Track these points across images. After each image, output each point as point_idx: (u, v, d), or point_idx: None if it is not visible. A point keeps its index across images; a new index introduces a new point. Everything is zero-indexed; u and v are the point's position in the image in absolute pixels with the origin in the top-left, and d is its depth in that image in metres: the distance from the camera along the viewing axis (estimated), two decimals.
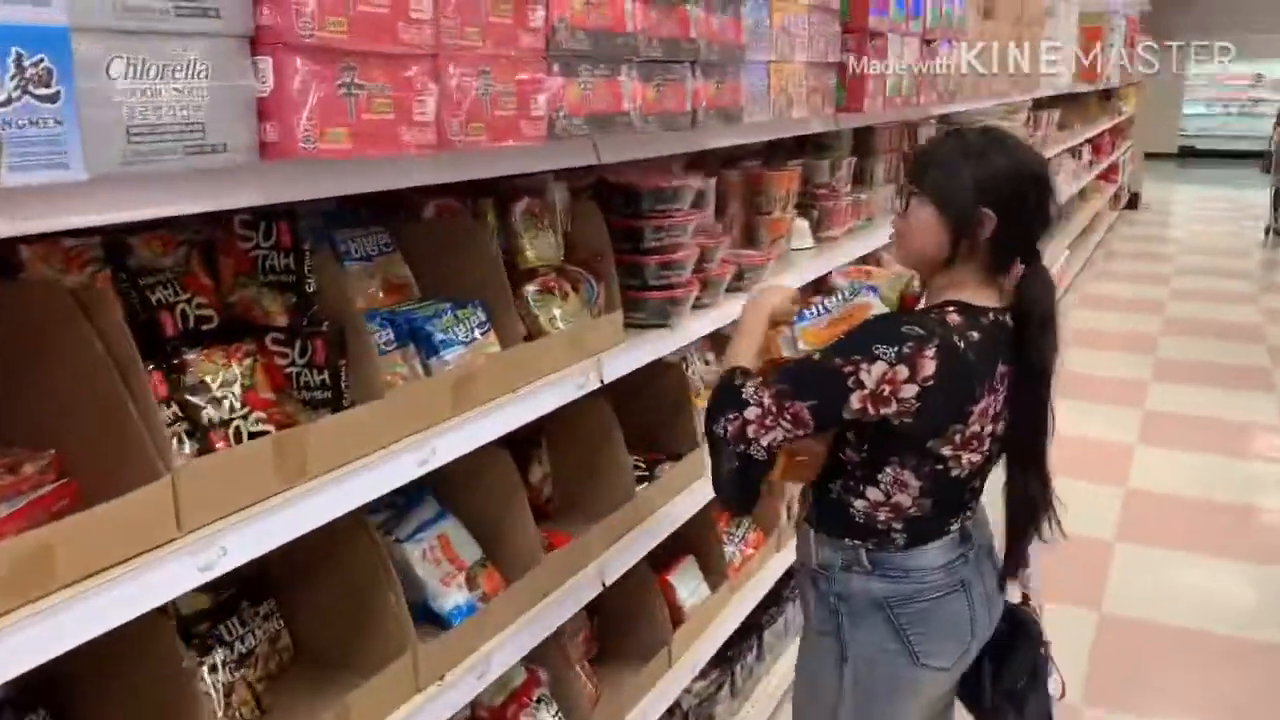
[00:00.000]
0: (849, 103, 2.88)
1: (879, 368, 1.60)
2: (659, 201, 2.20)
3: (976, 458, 1.74)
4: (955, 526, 1.83)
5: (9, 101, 0.89)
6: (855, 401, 1.62)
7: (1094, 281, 9.63)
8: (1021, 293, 1.73)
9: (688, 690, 2.63)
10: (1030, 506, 1.84)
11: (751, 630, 3.06)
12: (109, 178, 0.99)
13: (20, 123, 0.90)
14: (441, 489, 1.92)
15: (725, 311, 2.47)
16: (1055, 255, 7.43)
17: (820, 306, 1.81)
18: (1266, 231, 11.58)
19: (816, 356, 1.70)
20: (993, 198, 1.67)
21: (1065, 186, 8.33)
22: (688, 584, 2.64)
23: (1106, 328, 7.86)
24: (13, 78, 0.89)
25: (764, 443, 1.67)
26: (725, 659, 2.93)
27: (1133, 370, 6.77)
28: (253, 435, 1.43)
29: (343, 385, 1.49)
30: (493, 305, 1.80)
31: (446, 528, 1.89)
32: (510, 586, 1.87)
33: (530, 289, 1.94)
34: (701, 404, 2.58)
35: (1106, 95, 10.91)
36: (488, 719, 2.02)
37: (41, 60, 0.91)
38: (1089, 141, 9.71)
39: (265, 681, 1.64)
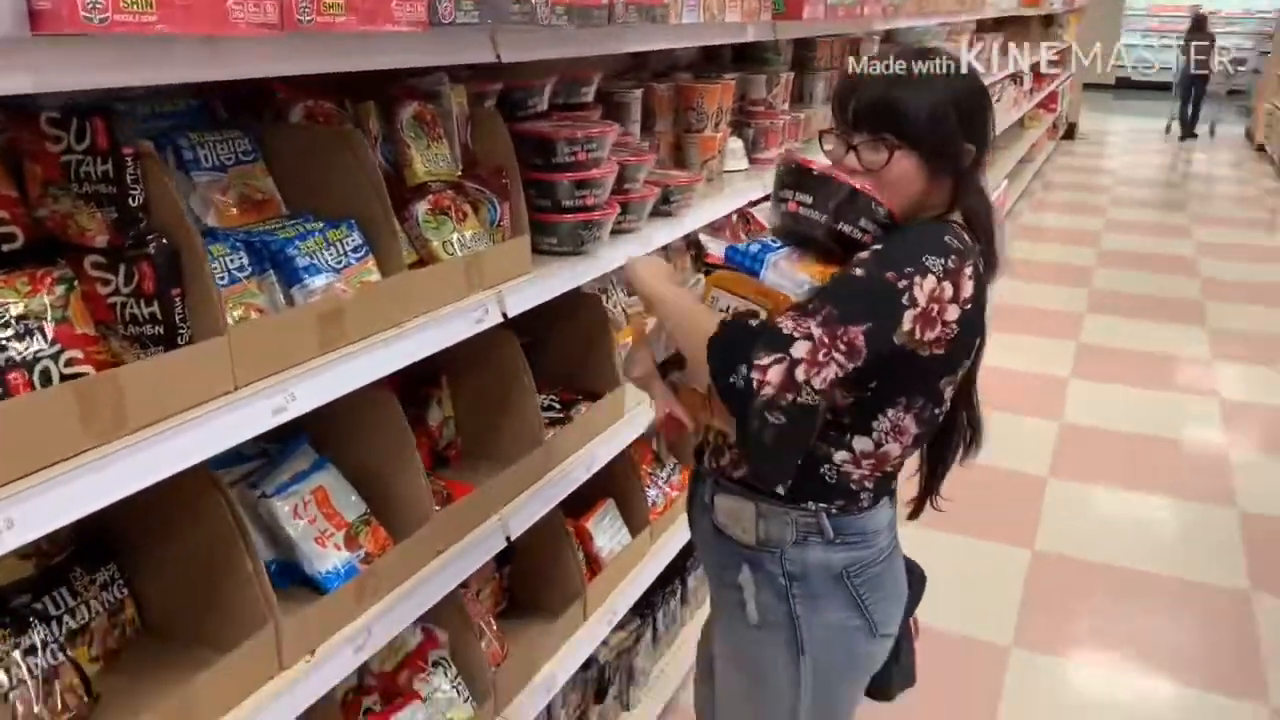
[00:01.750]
0: (788, 9, 2.64)
1: (930, 282, 1.41)
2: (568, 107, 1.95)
3: (951, 396, 1.60)
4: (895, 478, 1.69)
5: None
6: (907, 322, 1.41)
7: (1031, 212, 9.57)
8: (974, 212, 1.56)
9: (605, 643, 2.46)
10: (958, 433, 1.72)
11: (674, 574, 2.89)
12: None
13: None
14: (320, 436, 1.69)
15: (649, 238, 2.25)
16: (994, 183, 7.30)
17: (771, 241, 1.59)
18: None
19: (859, 271, 1.44)
20: (970, 127, 1.54)
21: (1008, 113, 8.19)
22: (606, 530, 2.46)
23: (1043, 258, 7.79)
24: None
25: (817, 384, 1.38)
26: (647, 606, 2.77)
27: (1068, 303, 6.72)
28: (65, 378, 1.18)
29: (177, 319, 1.25)
30: (372, 226, 1.55)
31: (324, 480, 1.66)
32: (397, 546, 1.65)
33: (420, 208, 1.69)
34: (625, 339, 2.39)
35: (1048, 22, 10.74)
36: (376, 686, 1.83)
37: None
38: (1031, 68, 9.53)
39: (101, 661, 1.41)
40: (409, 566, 1.68)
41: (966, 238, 1.51)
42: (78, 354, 1.21)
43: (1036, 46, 9.75)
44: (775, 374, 1.37)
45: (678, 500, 2.72)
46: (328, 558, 1.59)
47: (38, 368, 1.17)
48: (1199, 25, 14.42)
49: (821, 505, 1.59)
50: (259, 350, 1.30)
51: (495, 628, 2.15)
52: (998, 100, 7.24)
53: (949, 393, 1.57)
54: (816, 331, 1.38)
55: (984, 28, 6.87)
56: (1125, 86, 19.46)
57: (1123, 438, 4.76)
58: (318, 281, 1.45)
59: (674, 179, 2.36)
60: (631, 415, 2.34)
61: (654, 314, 1.65)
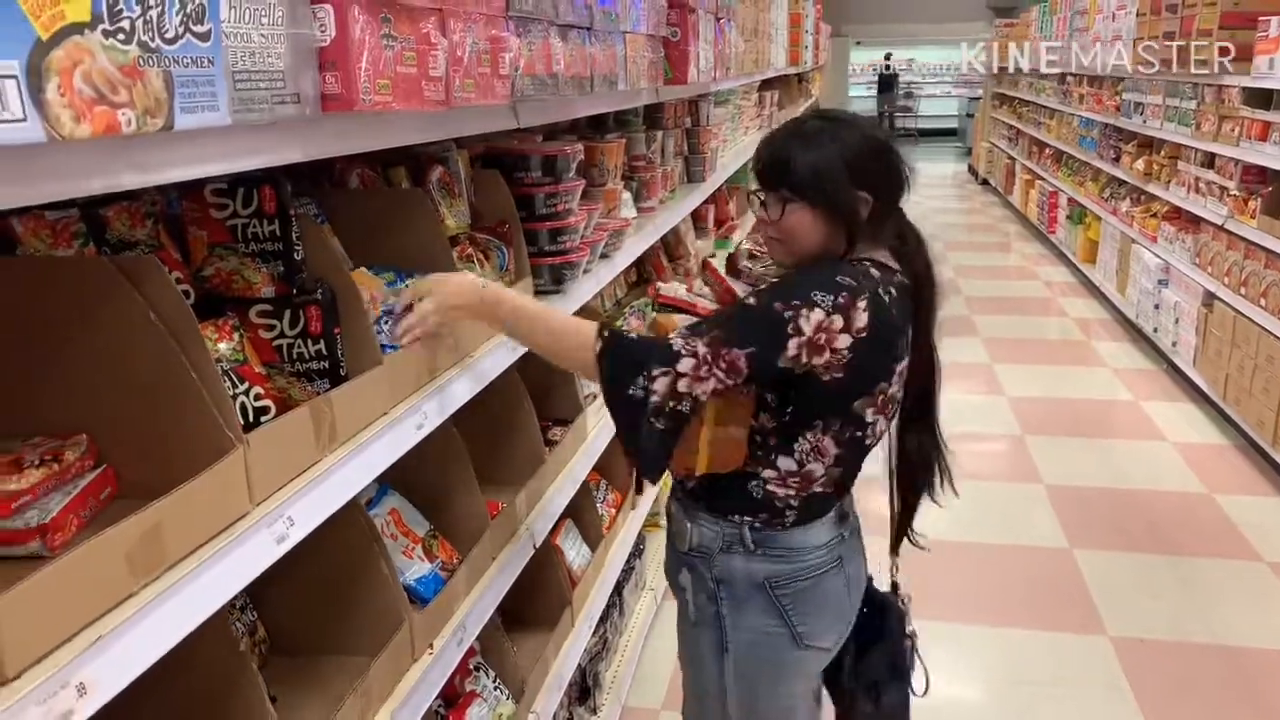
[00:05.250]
0: (675, 76, 3.02)
1: (817, 315, 1.56)
2: (550, 170, 2.24)
3: (885, 424, 1.75)
4: (837, 502, 1.81)
5: (175, 39, 0.83)
6: (792, 348, 1.57)
7: None
8: (905, 255, 1.73)
9: (585, 649, 2.69)
10: (925, 468, 1.85)
11: (613, 589, 3.15)
12: (233, 125, 0.94)
13: (185, 60, 0.84)
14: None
15: (601, 276, 2.55)
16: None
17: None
18: None
19: (752, 301, 1.64)
20: (862, 179, 1.66)
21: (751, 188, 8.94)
22: (573, 546, 2.70)
23: None
24: (178, 12, 0.83)
25: (696, 393, 1.57)
26: (599, 620, 3.02)
27: None
28: (257, 412, 1.36)
29: (339, 354, 1.45)
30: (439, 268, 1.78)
31: (393, 503, 1.85)
32: (469, 554, 1.86)
33: (455, 256, 1.93)
34: None
35: (800, 79, 11.80)
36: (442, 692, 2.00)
37: None
38: None
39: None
40: (477, 572, 1.89)
41: (870, 274, 1.65)
42: (260, 390, 1.39)
43: (795, 101, 10.73)
44: (662, 385, 1.57)
45: (617, 516, 3.00)
46: (415, 567, 1.79)
47: (237, 402, 1.34)
48: (887, 85, 16.13)
49: (746, 519, 1.75)
50: (401, 379, 1.52)
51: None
52: None
53: (870, 415, 1.69)
54: (702, 350, 1.56)
55: (764, 85, 7.57)
56: None
57: None
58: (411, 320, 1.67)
59: (615, 224, 2.68)
60: (591, 440, 2.62)
61: (505, 316, 1.69)
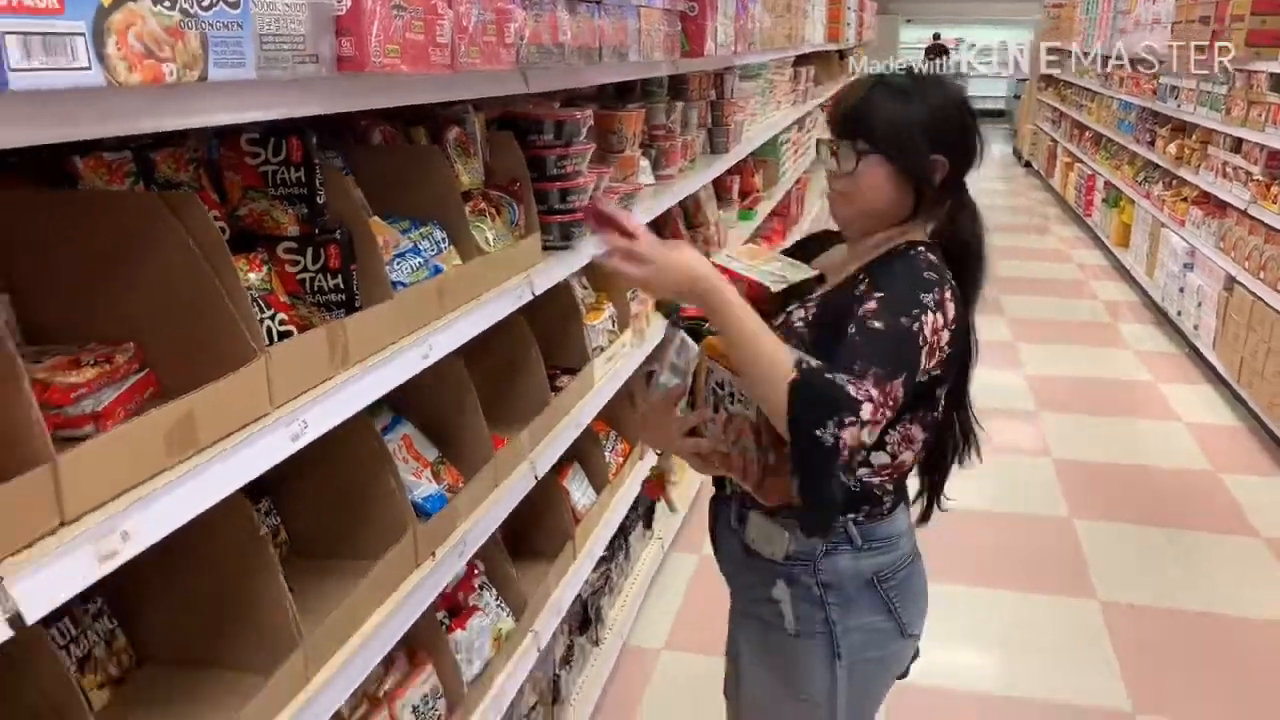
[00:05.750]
0: (692, 49, 3.18)
1: (930, 317, 1.50)
2: (560, 133, 2.41)
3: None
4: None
5: (211, 6, 1.02)
6: (924, 359, 1.50)
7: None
8: (957, 225, 1.69)
9: (586, 581, 2.89)
10: (955, 439, 1.81)
11: (619, 533, 3.35)
12: (258, 80, 1.13)
13: (218, 24, 1.03)
14: (394, 397, 2.08)
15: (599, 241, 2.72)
16: (808, 203, 8.11)
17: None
18: None
19: (878, 324, 1.48)
20: (940, 141, 1.62)
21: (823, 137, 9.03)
22: (579, 487, 2.90)
23: None
24: None
25: (869, 442, 1.44)
26: (603, 559, 3.22)
27: None
28: (281, 334, 1.56)
29: (355, 288, 1.64)
30: (450, 224, 1.97)
31: (406, 430, 2.05)
32: (473, 479, 2.06)
33: (467, 209, 2.12)
34: (591, 320, 2.85)
35: (842, 55, 11.83)
36: (442, 604, 2.21)
37: None
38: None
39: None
40: (478, 496, 2.08)
41: (933, 258, 1.61)
42: (284, 316, 1.59)
43: (835, 79, 10.78)
44: (851, 436, 1.38)
45: (625, 465, 3.19)
46: (423, 487, 1.99)
47: (264, 327, 1.54)
48: (939, 50, 16.26)
49: (849, 516, 1.66)
50: (410, 313, 1.71)
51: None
52: (810, 126, 8.06)
53: (940, 392, 1.65)
54: (874, 393, 1.40)
55: (799, 60, 7.66)
56: None
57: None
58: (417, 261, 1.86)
59: (625, 188, 2.85)
60: (598, 388, 2.80)
61: (719, 322, 1.51)
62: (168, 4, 0.96)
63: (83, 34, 0.86)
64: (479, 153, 2.22)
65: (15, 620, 0.93)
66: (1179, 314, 6.66)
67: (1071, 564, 3.97)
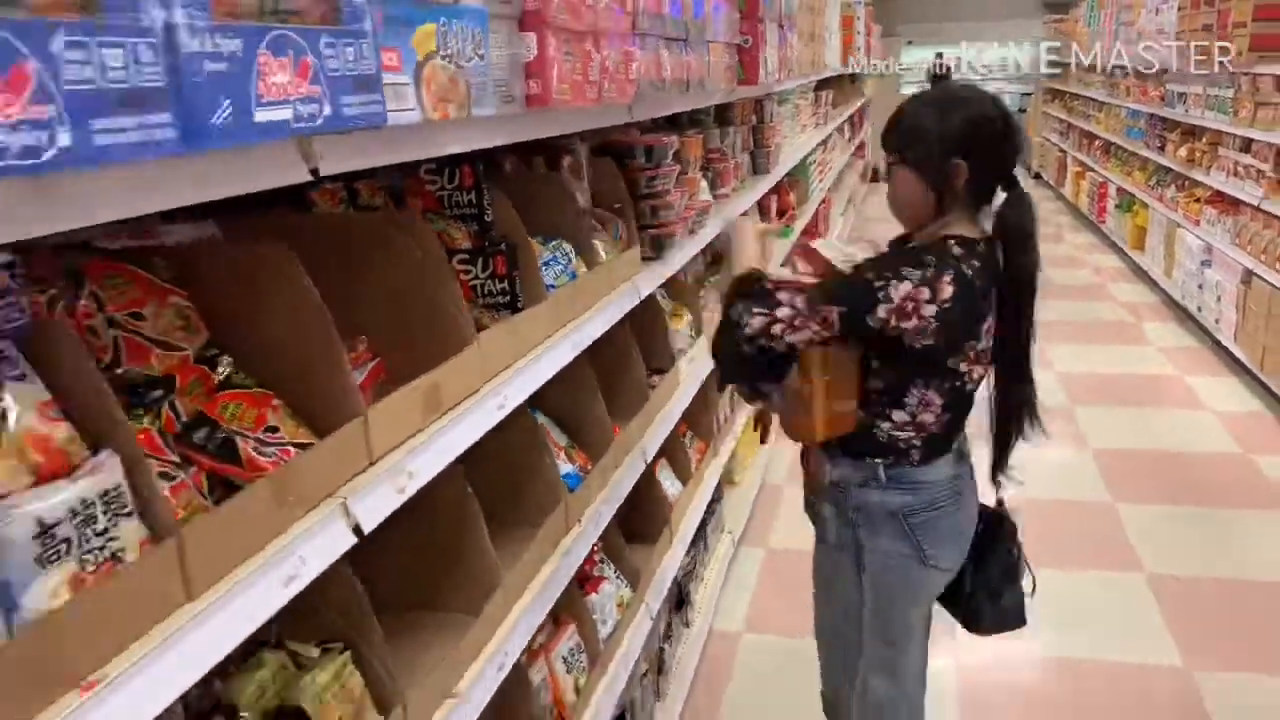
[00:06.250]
0: (747, 77, 3.50)
1: (905, 286, 1.81)
2: (650, 157, 2.72)
3: (981, 370, 1.99)
4: (956, 443, 2.09)
5: (469, 61, 1.33)
6: (881, 312, 1.83)
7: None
8: (1005, 217, 1.94)
9: (680, 565, 3.17)
10: (1018, 411, 2.08)
11: (699, 525, 3.62)
12: (495, 115, 1.44)
13: (474, 75, 1.34)
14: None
15: (688, 250, 3.03)
16: (833, 219, 8.43)
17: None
18: None
19: (850, 272, 1.93)
20: (959, 148, 1.89)
21: (839, 159, 9.39)
22: (668, 479, 3.18)
23: None
24: (476, 47, 1.33)
25: (788, 340, 1.89)
26: (690, 545, 3.49)
27: None
28: None
29: (518, 292, 1.94)
30: (574, 238, 2.27)
31: (541, 419, 2.34)
32: (600, 461, 2.35)
33: None
34: (675, 326, 3.14)
35: (852, 79, 12.20)
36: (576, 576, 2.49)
37: (478, 33, 1.35)
38: (849, 120, 10.88)
39: None
40: (605, 474, 2.37)
41: (951, 253, 1.88)
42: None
43: (848, 102, 11.14)
44: (758, 321, 1.89)
45: (702, 461, 3.47)
46: (563, 466, 2.27)
47: None
48: (938, 75, 16.61)
49: (878, 460, 2.03)
50: (560, 313, 2.01)
51: None
52: (832, 148, 8.39)
53: (964, 367, 1.94)
54: (800, 304, 1.87)
55: (820, 86, 8.00)
56: None
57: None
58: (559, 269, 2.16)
59: (702, 204, 3.16)
60: (684, 386, 3.09)
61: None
62: (446, 60, 1.27)
63: (409, 84, 1.17)
64: (584, 177, 2.53)
65: (356, 530, 1.22)
66: (1199, 310, 6.92)
67: (1118, 542, 4.22)
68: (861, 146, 13.45)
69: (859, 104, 12.35)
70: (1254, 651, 3.42)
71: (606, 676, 2.33)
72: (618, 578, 2.58)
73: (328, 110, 0.99)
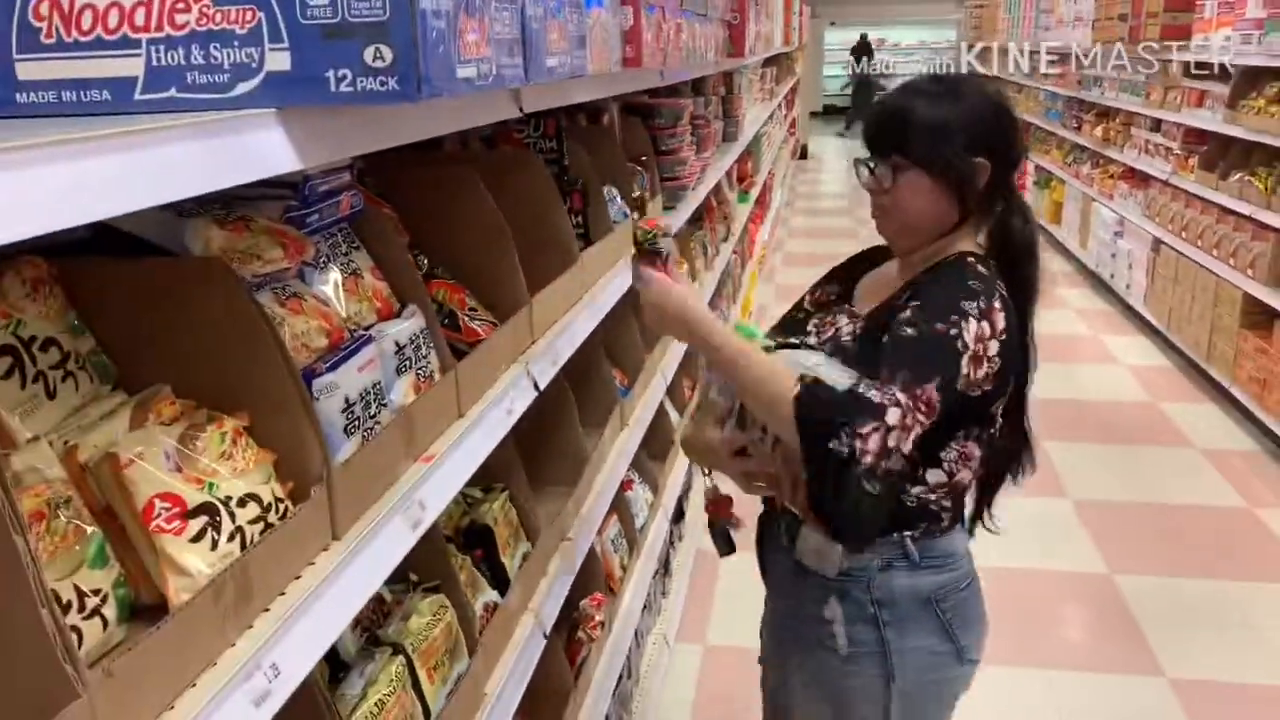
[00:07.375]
0: (735, 51, 3.89)
1: (972, 325, 1.46)
2: (669, 118, 3.10)
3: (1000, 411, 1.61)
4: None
5: (607, 28, 1.70)
6: (964, 366, 1.45)
7: (795, 218, 11.34)
8: (1009, 226, 1.64)
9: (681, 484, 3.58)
10: (1010, 453, 1.74)
11: None
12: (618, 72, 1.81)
13: (610, 37, 1.71)
14: None
15: (691, 202, 3.42)
16: (773, 193, 8.88)
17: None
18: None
19: (910, 331, 1.48)
20: (983, 143, 1.57)
21: (778, 134, 9.85)
22: (672, 409, 3.58)
23: (816, 251, 9.49)
24: (611, 17, 1.69)
25: (905, 449, 1.39)
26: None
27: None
28: None
29: (589, 223, 2.31)
30: (619, 184, 2.64)
31: None
32: (636, 379, 2.73)
33: None
34: (679, 272, 3.54)
35: (788, 57, 12.67)
36: None
37: (609, 5, 1.72)
38: (785, 98, 11.35)
39: None
40: (643, 390, 2.76)
41: (982, 269, 1.55)
42: None
43: (784, 81, 11.61)
44: (874, 442, 1.35)
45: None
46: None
47: None
48: (864, 49, 18.08)
49: (905, 532, 1.59)
50: (618, 245, 2.38)
51: None
52: (776, 121, 8.83)
53: (999, 408, 1.59)
54: (901, 397, 1.38)
55: (765, 63, 8.42)
56: (830, 112, 22.38)
57: None
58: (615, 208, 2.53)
59: (700, 163, 3.55)
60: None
61: (709, 355, 1.58)
62: (601, 27, 1.64)
63: (586, 45, 1.54)
64: (615, 134, 2.90)
65: (535, 385, 1.59)
66: (1112, 276, 7.56)
67: (1047, 475, 4.76)
68: (794, 124, 13.95)
69: (792, 82, 12.83)
70: (1163, 559, 3.98)
71: (641, 558, 2.73)
72: (642, 483, 2.98)
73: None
